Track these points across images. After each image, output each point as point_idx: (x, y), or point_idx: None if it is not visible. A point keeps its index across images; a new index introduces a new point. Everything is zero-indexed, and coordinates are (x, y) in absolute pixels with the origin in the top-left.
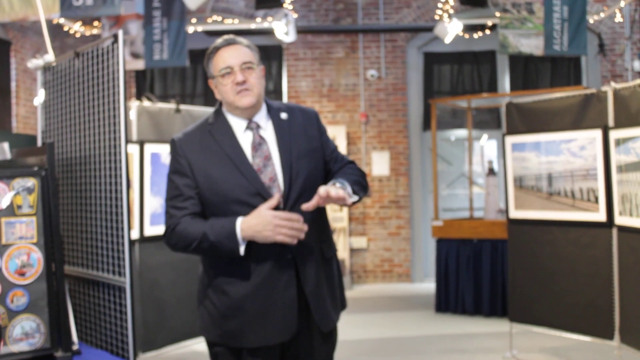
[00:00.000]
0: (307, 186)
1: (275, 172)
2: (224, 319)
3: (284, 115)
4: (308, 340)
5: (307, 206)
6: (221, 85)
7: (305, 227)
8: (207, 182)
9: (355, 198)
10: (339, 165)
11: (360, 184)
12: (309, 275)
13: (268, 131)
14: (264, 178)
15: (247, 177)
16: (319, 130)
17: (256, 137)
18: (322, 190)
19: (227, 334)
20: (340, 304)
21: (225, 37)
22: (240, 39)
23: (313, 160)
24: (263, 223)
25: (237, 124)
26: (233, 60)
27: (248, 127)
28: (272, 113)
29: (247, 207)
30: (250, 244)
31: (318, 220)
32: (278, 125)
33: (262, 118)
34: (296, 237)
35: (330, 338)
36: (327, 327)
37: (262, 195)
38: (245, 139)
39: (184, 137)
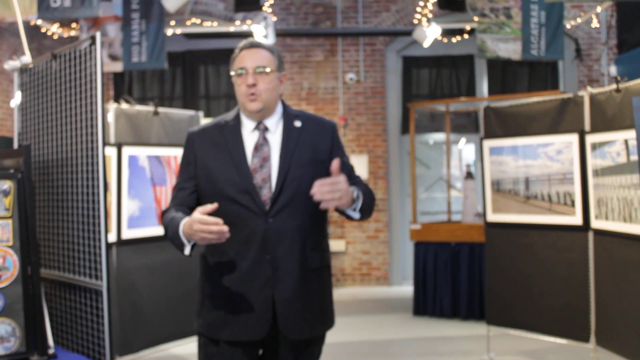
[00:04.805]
0: (300, 193)
1: (270, 173)
2: (207, 310)
3: (297, 123)
4: (276, 346)
5: (317, 188)
6: (235, 85)
7: (226, 228)
8: (205, 175)
9: (356, 215)
10: (351, 182)
11: (368, 204)
12: (284, 280)
13: (276, 135)
14: (257, 178)
15: (240, 174)
16: (332, 143)
17: (260, 138)
18: (335, 165)
19: (207, 324)
20: (324, 318)
21: (251, 39)
22: (264, 43)
23: (314, 171)
24: (189, 226)
25: (248, 124)
26: (248, 63)
27: (256, 128)
28: (286, 119)
29: (235, 204)
30: (232, 241)
31: (307, 229)
32: (287, 131)
33: (274, 122)
34: (218, 239)
35: (303, 350)
36: (293, 336)
37: (251, 193)
38: (250, 139)
39: (197, 131)
